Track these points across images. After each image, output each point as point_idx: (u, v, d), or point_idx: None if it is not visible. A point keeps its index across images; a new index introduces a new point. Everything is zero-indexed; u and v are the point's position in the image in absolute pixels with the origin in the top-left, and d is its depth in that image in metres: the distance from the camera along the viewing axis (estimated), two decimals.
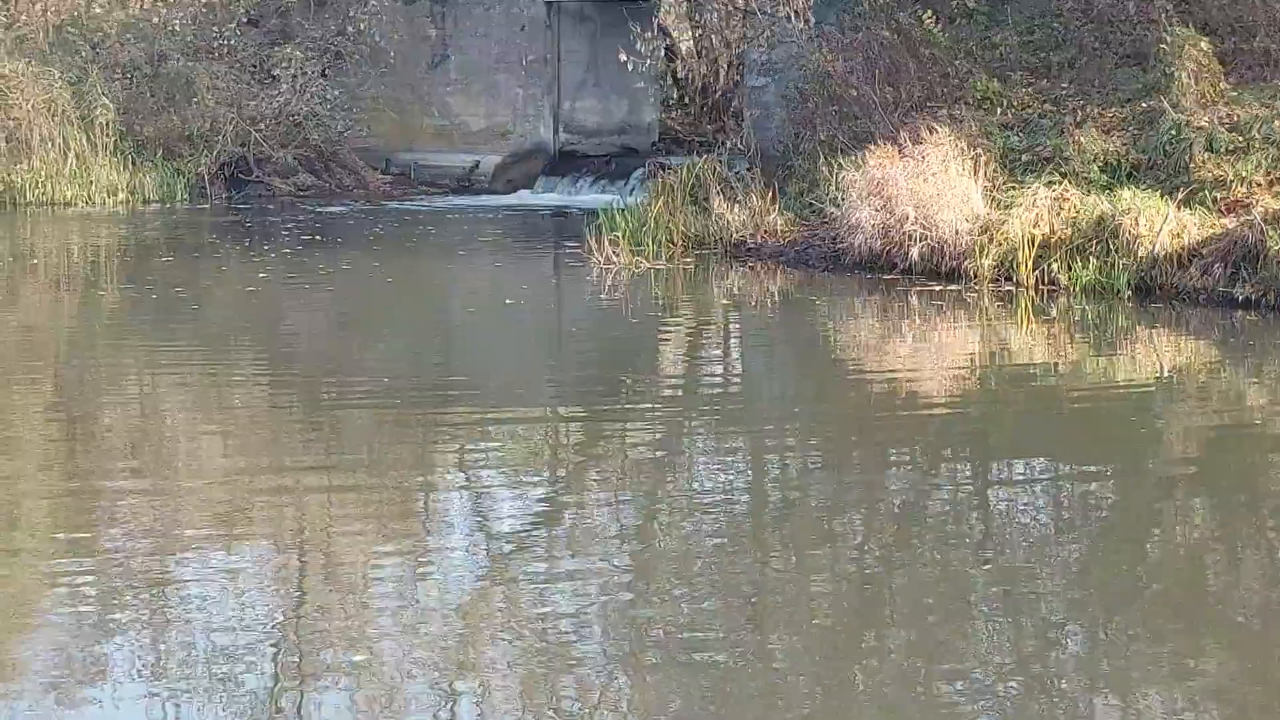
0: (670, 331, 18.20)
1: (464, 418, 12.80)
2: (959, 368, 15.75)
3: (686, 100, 39.06)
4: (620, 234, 22.58)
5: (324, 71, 33.63)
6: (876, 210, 19.79)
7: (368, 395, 13.73)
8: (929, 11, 24.33)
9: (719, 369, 16.46)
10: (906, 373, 15.41)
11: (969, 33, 24.07)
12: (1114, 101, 21.69)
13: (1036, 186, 19.19)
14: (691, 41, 39.22)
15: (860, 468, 11.53)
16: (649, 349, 16.80)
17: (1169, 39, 20.90)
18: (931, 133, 21.20)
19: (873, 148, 20.63)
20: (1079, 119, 21.43)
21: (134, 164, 31.48)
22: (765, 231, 22.26)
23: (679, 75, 39.53)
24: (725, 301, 20.13)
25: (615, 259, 21.11)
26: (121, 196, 30.83)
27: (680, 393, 14.88)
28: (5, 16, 33.03)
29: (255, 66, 33.70)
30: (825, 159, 23.30)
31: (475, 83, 34.34)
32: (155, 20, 33.21)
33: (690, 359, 16.77)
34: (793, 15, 25.07)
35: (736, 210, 22.59)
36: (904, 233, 19.48)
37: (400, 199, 32.76)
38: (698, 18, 38.57)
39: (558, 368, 15.73)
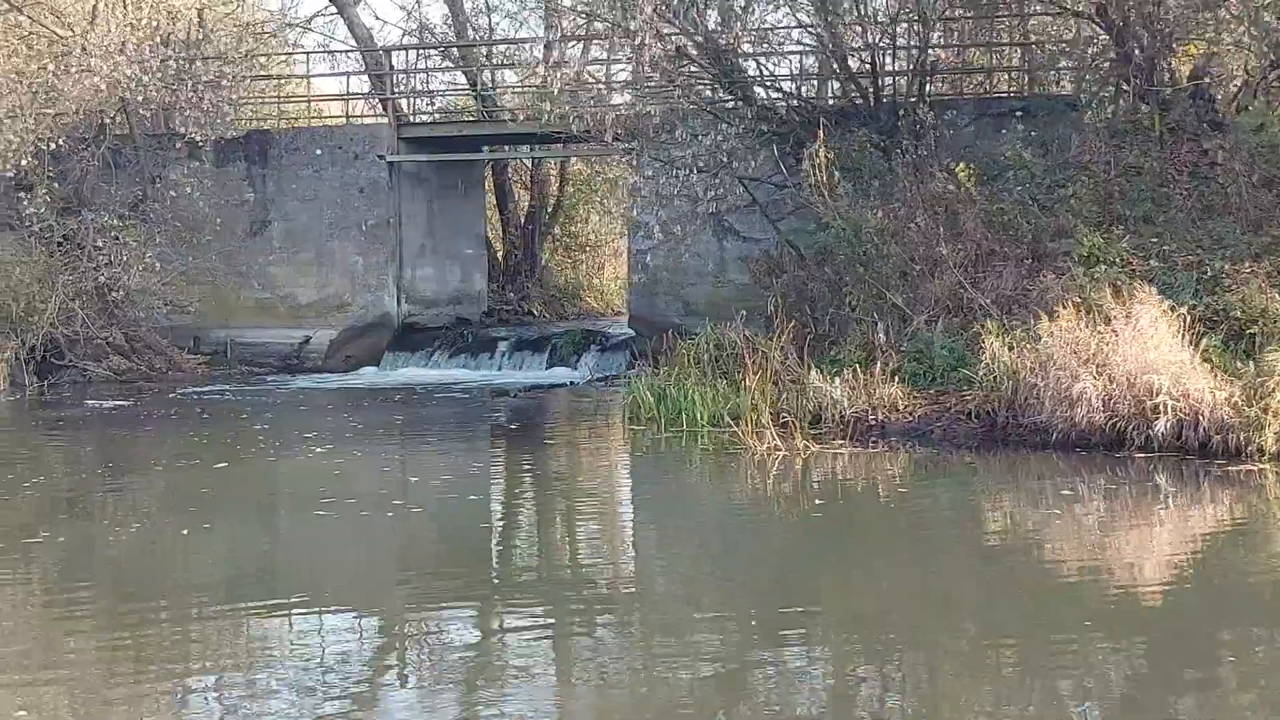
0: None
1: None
2: None
3: (492, 268, 34.40)
4: (693, 415, 18.43)
5: (134, 242, 27.33)
6: (1094, 379, 16.00)
7: None
8: (962, 165, 20.92)
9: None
10: None
11: (1019, 189, 20.70)
12: (1242, 256, 18.67)
13: None
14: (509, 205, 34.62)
15: None
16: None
17: None
18: (1046, 291, 17.98)
19: (1061, 309, 16.85)
20: (1212, 274, 18.35)
21: None
22: (885, 407, 18.07)
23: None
24: (999, 497, 15.08)
25: (779, 446, 16.58)
26: None
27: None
28: None
29: (49, 237, 27.09)
30: (894, 323, 19.65)
31: (304, 250, 28.91)
32: None
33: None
34: (812, 170, 21.12)
35: (837, 385, 18.31)
36: (1147, 405, 15.73)
37: (233, 380, 26.88)
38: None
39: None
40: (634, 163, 23.14)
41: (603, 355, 27.87)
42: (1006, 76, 26.38)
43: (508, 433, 19.93)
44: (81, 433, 19.78)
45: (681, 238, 24.69)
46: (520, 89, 31.76)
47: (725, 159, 22.65)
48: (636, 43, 22.04)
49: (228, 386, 25.62)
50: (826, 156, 21.22)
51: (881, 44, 24.49)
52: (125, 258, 26.70)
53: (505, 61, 34.69)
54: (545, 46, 29.40)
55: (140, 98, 25.79)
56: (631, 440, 18.48)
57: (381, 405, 22.71)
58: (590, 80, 23.30)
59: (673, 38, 22.69)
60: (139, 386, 25.47)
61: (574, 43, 25.05)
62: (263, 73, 29.34)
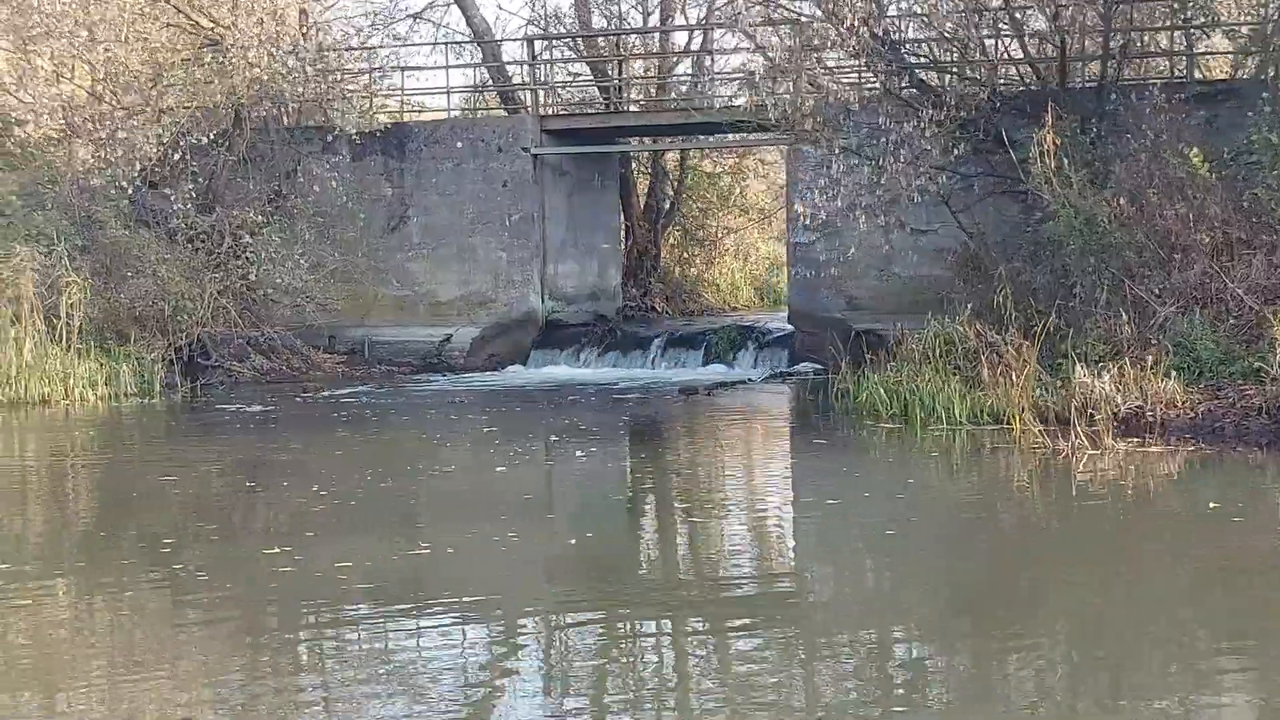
0: None
1: None
2: None
3: None
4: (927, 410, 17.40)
5: (278, 239, 26.05)
6: None
7: None
8: (1195, 150, 19.70)
9: None
10: None
11: (1275, 173, 19.39)
12: None
13: None
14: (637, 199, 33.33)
15: None
16: None
17: None
18: None
19: None
20: None
21: (91, 351, 23.28)
22: (1162, 403, 16.87)
23: None
24: None
25: (1086, 445, 15.38)
26: (101, 391, 22.64)
27: None
28: None
29: (192, 234, 25.78)
30: (1134, 314, 18.45)
31: (445, 246, 27.60)
32: (94, 180, 24.73)
33: None
34: (1040, 158, 19.92)
35: (1106, 379, 17.11)
36: None
37: (375, 380, 25.61)
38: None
39: None
40: (834, 150, 21.82)
41: (761, 352, 26.63)
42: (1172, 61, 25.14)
43: (741, 432, 18.68)
44: (273, 438, 18.20)
45: (887, 226, 23.23)
46: (681, 78, 30.51)
47: (928, 147, 21.36)
48: (845, 25, 20.85)
49: (373, 387, 24.35)
50: (1055, 143, 19.96)
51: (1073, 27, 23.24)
52: (273, 254, 25.42)
53: (644, 50, 33.45)
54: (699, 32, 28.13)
55: (300, 89, 24.51)
56: (893, 440, 17.23)
57: (568, 406, 21.43)
58: (788, 66, 21.89)
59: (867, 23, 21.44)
60: (285, 388, 24.17)
61: (752, 25, 23.54)
62: (400, 64, 28.05)
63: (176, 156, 24.41)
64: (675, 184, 34.73)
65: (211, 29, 25.80)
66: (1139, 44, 24.37)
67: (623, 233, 33.08)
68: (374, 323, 27.79)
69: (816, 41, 21.44)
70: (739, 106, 22.44)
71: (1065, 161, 20.06)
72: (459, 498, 13.79)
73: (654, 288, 32.55)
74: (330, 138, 26.58)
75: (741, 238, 37.23)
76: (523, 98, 31.31)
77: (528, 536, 11.62)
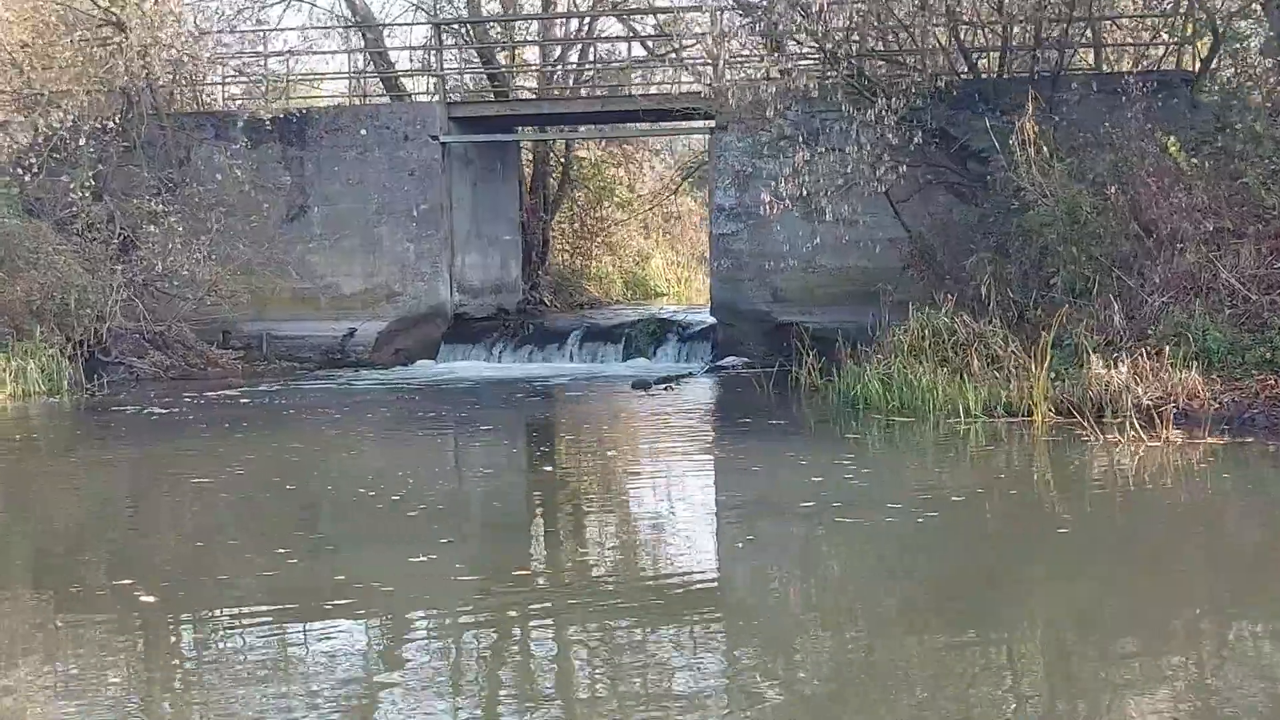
0: None
1: None
2: None
3: None
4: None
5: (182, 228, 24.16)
6: None
7: None
8: (1172, 138, 19.31)
9: None
10: None
11: (1264, 161, 18.99)
12: None
13: None
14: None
15: None
16: None
17: None
18: None
19: None
20: None
21: None
22: (1184, 394, 16.34)
23: None
24: None
25: (1143, 438, 14.71)
26: (10, 390, 20.64)
27: None
28: None
29: (91, 224, 23.79)
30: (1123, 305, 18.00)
31: (348, 238, 26.02)
32: None
33: None
34: (1019, 146, 19.33)
35: (1121, 370, 16.55)
36: None
37: (279, 377, 24.09)
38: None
39: None
40: (799, 138, 20.93)
41: (683, 345, 25.63)
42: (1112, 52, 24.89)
43: (751, 430, 17.46)
44: (177, 442, 16.45)
45: (809, 217, 22.42)
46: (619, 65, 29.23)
47: (888, 135, 20.60)
48: (815, 9, 19.98)
49: (281, 385, 22.71)
50: (1034, 130, 19.37)
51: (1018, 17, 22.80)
52: (177, 245, 23.53)
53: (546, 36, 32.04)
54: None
55: (208, 72, 22.74)
56: (918, 434, 16.33)
57: (522, 402, 20.14)
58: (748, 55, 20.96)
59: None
60: (186, 385, 22.40)
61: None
62: (307, 48, 26.36)
63: (81, 142, 22.31)
64: (561, 174, 33.44)
65: (107, 8, 23.73)
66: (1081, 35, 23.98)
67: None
68: (273, 317, 26.01)
69: (780, 28, 20.45)
70: (682, 94, 21.36)
71: (1045, 150, 19.46)
72: (477, 501, 12.49)
73: (543, 280, 31.25)
74: (239, 124, 24.79)
75: (612, 231, 36.12)
76: (406, 84, 29.85)
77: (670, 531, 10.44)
